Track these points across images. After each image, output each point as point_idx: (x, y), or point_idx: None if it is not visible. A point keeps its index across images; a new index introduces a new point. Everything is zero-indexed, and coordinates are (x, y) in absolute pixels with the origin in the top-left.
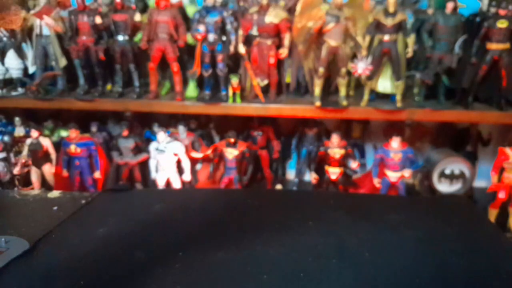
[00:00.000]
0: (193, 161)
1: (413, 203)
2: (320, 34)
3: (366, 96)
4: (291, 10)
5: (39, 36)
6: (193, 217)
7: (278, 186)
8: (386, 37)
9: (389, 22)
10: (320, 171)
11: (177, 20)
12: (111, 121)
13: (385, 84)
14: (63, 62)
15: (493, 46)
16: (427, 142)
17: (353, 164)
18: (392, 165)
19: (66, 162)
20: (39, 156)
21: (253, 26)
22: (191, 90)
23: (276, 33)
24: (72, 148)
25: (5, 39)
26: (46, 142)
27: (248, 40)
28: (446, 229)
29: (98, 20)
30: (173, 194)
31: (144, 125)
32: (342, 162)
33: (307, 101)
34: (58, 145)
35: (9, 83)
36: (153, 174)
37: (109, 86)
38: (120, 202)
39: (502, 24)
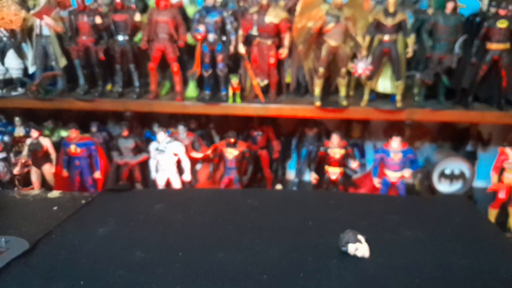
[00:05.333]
0: (193, 161)
1: (413, 203)
2: (320, 34)
3: (366, 96)
4: (291, 10)
5: (39, 36)
6: (193, 217)
7: (278, 186)
8: (386, 37)
9: (389, 22)
10: (320, 171)
11: (177, 20)
12: (111, 121)
13: (385, 84)
14: (63, 62)
15: (493, 46)
16: (427, 142)
17: (353, 164)
18: (392, 165)
19: (66, 162)
20: (39, 156)
21: (253, 26)
22: (191, 90)
23: (276, 33)
24: (72, 148)
25: (5, 39)
26: (46, 142)
27: (248, 40)
28: (446, 229)
29: (98, 20)
30: (173, 194)
31: (144, 125)
32: (342, 162)
33: (307, 101)
34: (58, 145)
35: (9, 83)
36: (153, 174)
37: (109, 86)
38: (120, 202)
39: (502, 24)
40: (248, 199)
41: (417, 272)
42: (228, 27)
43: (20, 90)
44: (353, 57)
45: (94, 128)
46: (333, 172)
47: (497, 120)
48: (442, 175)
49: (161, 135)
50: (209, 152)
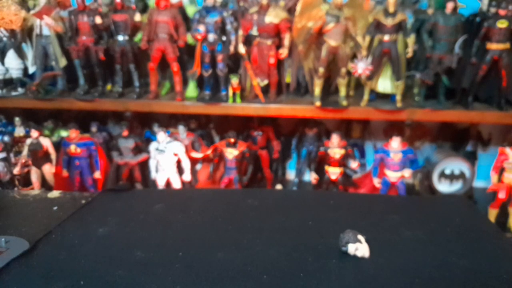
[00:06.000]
0: (193, 161)
1: (413, 203)
2: (320, 34)
3: (366, 96)
4: (291, 10)
5: (39, 36)
6: (193, 217)
7: (278, 186)
8: (386, 37)
9: (389, 22)
10: (320, 171)
11: (177, 20)
12: (111, 121)
13: (385, 84)
14: (63, 62)
15: (493, 46)
16: (427, 142)
17: (353, 164)
18: (392, 165)
19: (66, 162)
20: (39, 156)
21: (253, 26)
22: (191, 90)
23: (276, 33)
24: (72, 148)
25: (5, 39)
26: (46, 142)
27: (248, 40)
28: (446, 229)
29: (98, 20)
30: (173, 194)
31: (144, 125)
32: (342, 162)
33: (307, 101)
34: (58, 145)
35: (9, 83)
36: (153, 174)
37: (109, 86)
38: (120, 202)
39: (502, 24)
40: (248, 199)
41: (417, 272)
42: (228, 27)
43: (20, 90)
44: (353, 57)
45: (94, 128)
46: (333, 172)
47: (497, 120)
48: (442, 175)
49: (161, 135)
50: (209, 152)
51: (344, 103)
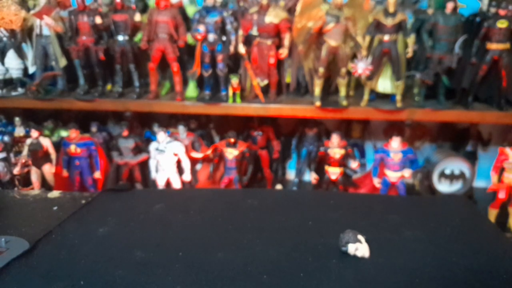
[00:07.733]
0: (193, 161)
1: (413, 203)
2: (320, 34)
3: (366, 96)
4: (291, 10)
5: (39, 36)
6: (193, 217)
7: (278, 186)
8: (386, 37)
9: (389, 22)
10: (320, 171)
11: (177, 20)
12: (111, 121)
13: (385, 84)
14: (63, 62)
15: (493, 46)
16: (427, 142)
17: (353, 164)
18: (392, 165)
19: (66, 162)
20: (39, 156)
21: (253, 26)
22: (191, 90)
23: (276, 33)
24: (72, 148)
25: (5, 39)
26: (46, 142)
27: (248, 40)
28: (446, 229)
29: (98, 20)
30: (173, 194)
31: (144, 125)
32: (342, 162)
33: (307, 101)
34: (58, 145)
35: (9, 83)
36: (153, 174)
37: (109, 86)
38: (120, 202)
39: (502, 24)
40: (248, 199)
41: (417, 272)
42: (228, 27)
43: (20, 90)
44: (353, 57)
45: (94, 128)
46: (333, 172)
47: (497, 120)
48: (442, 175)
49: (161, 135)
50: (209, 152)
51: (344, 103)
